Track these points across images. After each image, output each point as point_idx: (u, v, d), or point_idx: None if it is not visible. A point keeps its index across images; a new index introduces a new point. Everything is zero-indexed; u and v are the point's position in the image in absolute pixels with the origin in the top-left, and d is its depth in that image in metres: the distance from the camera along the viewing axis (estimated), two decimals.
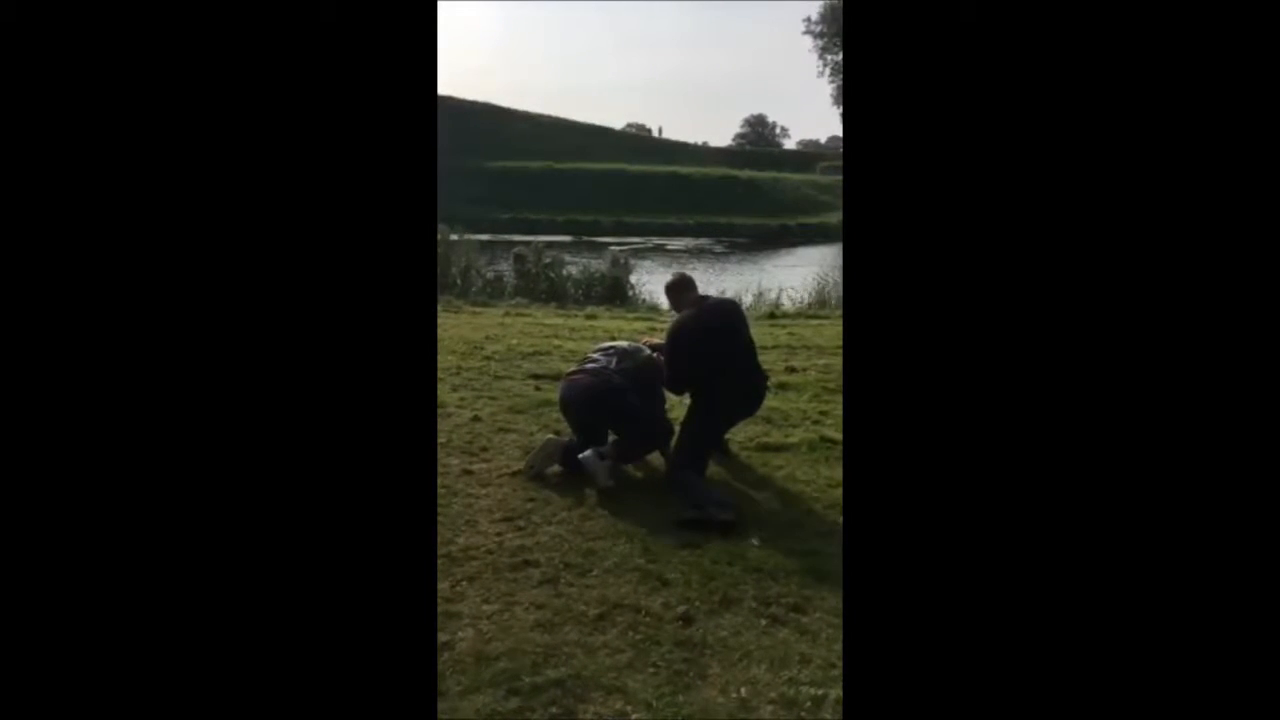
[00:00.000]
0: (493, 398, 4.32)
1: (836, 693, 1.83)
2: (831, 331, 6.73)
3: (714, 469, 3.27)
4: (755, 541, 2.67)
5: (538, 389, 4.50)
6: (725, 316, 3.38)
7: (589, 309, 8.27)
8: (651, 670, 1.94)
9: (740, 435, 3.76)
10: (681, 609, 2.21)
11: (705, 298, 3.49)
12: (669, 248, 20.80)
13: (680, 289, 3.52)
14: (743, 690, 1.87)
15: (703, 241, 24.74)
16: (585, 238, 21.96)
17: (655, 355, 3.48)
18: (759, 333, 6.58)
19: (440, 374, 4.81)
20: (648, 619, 2.17)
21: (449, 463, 3.33)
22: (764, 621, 2.16)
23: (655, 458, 3.40)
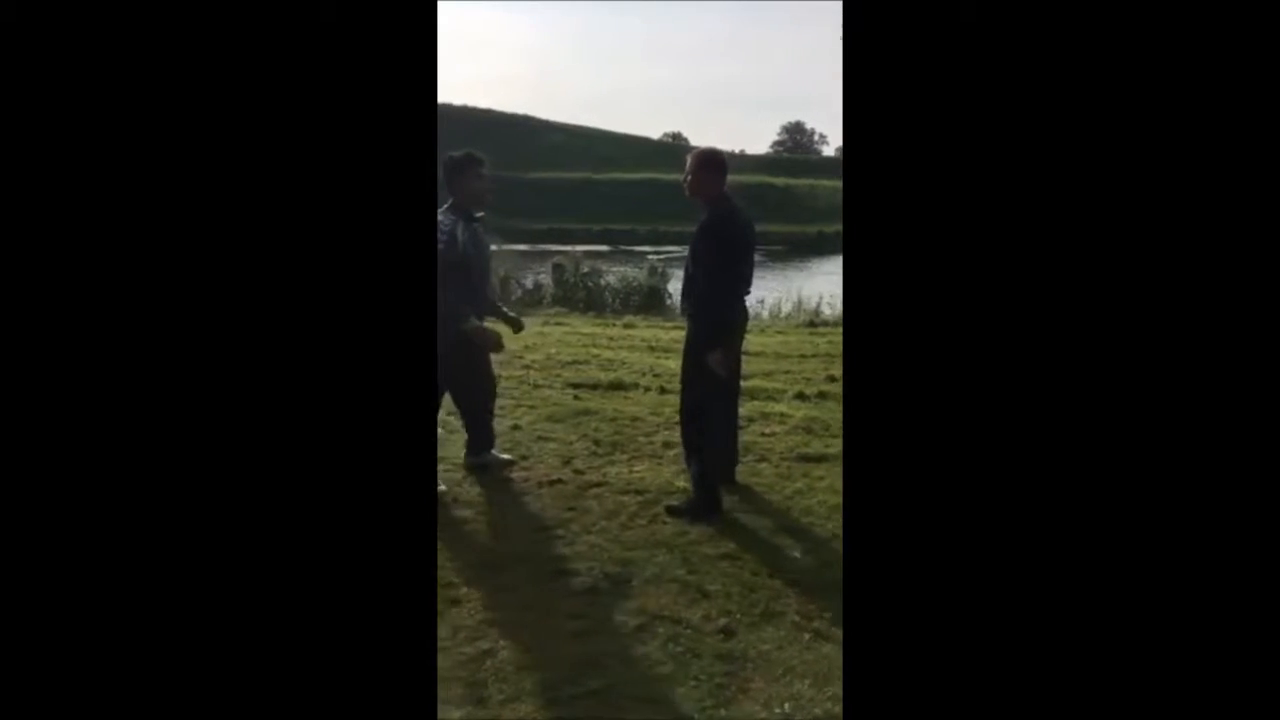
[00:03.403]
0: (532, 406, 4.34)
1: None
2: None
3: (729, 499, 3.19)
4: (796, 554, 2.63)
5: (576, 398, 4.52)
6: (752, 234, 2.97)
7: (627, 318, 8.28)
8: (692, 683, 1.92)
9: (780, 445, 3.72)
10: (722, 621, 2.19)
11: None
12: None
13: (720, 168, 2.90)
14: (786, 706, 1.84)
15: None
16: (622, 247, 22.06)
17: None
18: (798, 341, 6.53)
19: None
20: (688, 631, 2.15)
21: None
22: (807, 636, 2.12)
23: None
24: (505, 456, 3.41)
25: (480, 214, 3.06)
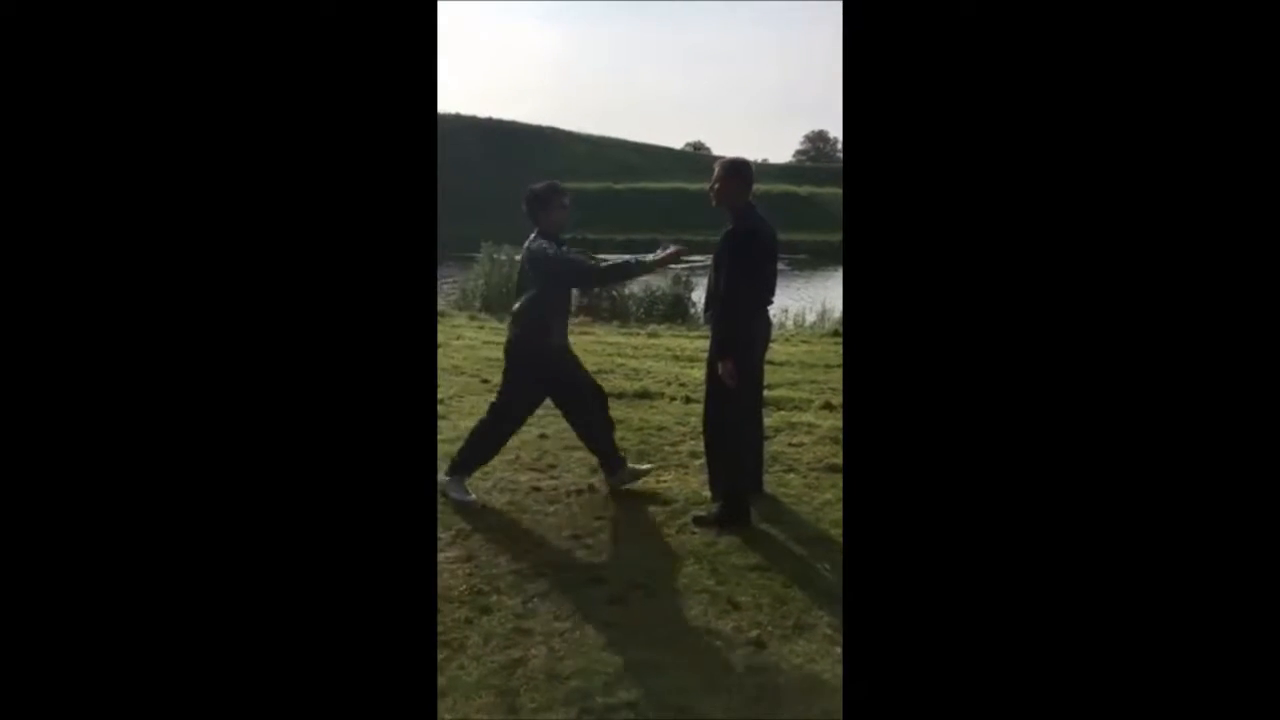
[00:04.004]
0: (559, 415, 4.36)
1: None
2: None
3: (756, 510, 3.17)
4: (827, 565, 2.61)
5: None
6: (775, 243, 3.01)
7: (651, 327, 8.29)
8: (725, 695, 1.91)
9: (808, 456, 3.70)
10: (753, 633, 2.18)
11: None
12: None
13: (746, 178, 2.95)
14: None
15: None
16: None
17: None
18: (824, 351, 6.49)
19: None
20: (718, 642, 2.14)
21: (518, 479, 3.38)
22: (839, 649, 2.10)
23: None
24: (645, 466, 3.37)
25: (566, 237, 3.25)
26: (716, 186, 2.95)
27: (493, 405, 3.22)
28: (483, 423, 3.20)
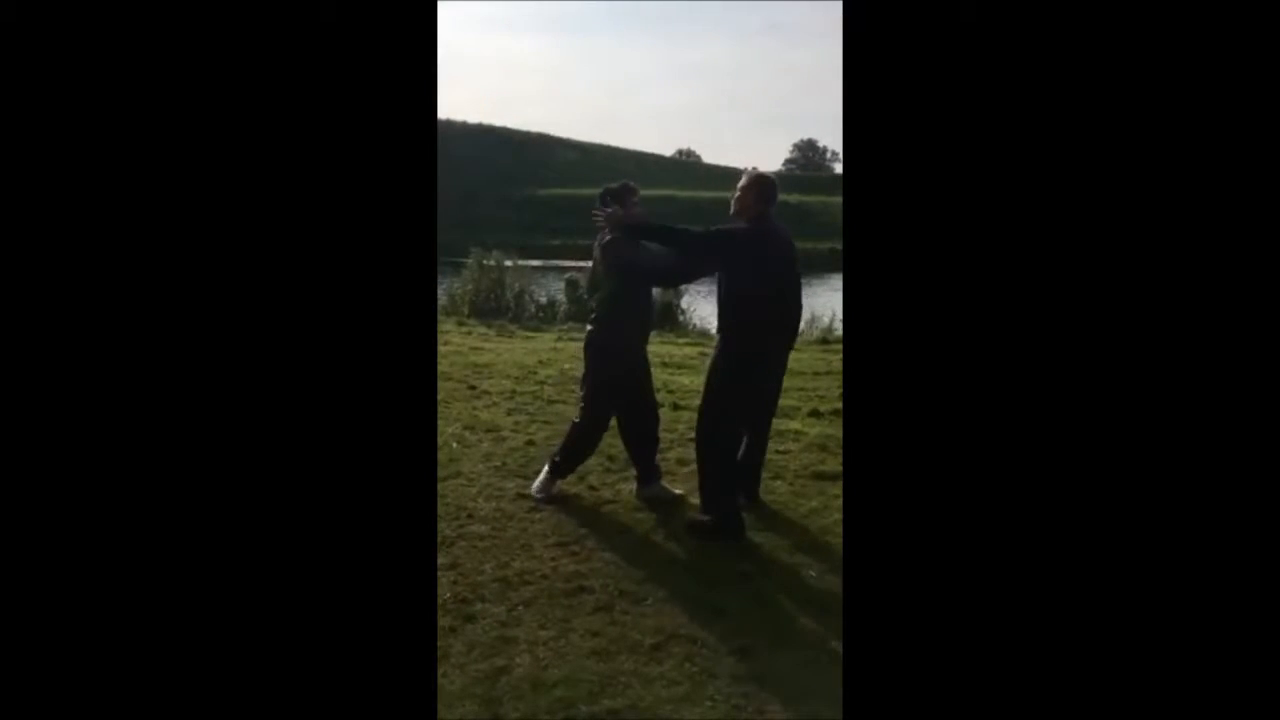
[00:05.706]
0: (547, 422, 4.35)
1: None
2: None
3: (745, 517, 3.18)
4: (813, 573, 2.61)
5: None
6: (793, 251, 3.01)
7: None
8: (709, 704, 1.91)
9: (795, 463, 3.70)
10: (739, 641, 2.17)
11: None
12: None
13: (765, 192, 2.94)
14: None
15: None
16: None
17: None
18: (811, 359, 6.51)
19: (495, 398, 4.88)
20: (704, 650, 2.13)
21: (504, 486, 3.37)
22: (825, 657, 2.11)
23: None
24: (677, 491, 3.29)
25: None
26: (736, 195, 3.02)
27: (579, 416, 3.25)
28: (575, 427, 3.23)
